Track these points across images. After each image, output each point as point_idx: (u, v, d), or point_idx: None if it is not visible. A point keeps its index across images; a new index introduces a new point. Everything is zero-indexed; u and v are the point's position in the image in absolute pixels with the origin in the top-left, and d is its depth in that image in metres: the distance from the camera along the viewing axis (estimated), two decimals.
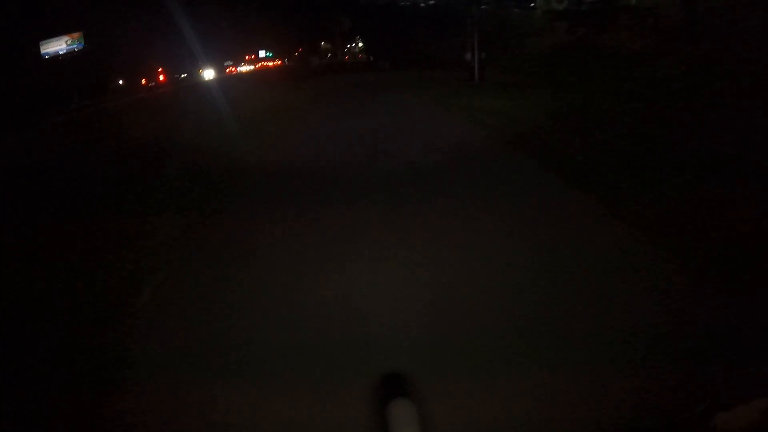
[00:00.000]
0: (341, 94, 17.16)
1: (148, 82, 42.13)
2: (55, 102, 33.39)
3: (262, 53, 48.70)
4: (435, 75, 20.97)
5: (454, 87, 15.36)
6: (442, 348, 2.16)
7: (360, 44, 50.83)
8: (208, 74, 38.75)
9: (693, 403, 0.56)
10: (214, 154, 7.69)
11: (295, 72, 36.48)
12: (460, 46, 21.54)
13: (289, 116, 12.03)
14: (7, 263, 3.81)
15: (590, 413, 1.64)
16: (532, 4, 22.79)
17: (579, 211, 3.81)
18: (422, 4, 36.08)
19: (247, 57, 53.48)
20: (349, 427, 1.66)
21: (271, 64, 54.68)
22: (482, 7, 17.34)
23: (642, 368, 1.87)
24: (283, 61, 55.50)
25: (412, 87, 17.03)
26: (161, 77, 42.93)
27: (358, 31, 48.13)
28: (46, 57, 40.04)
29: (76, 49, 40.77)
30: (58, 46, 40.62)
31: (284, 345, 2.29)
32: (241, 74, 44.50)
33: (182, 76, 43.72)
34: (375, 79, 22.99)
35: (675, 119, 6.38)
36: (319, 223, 3.98)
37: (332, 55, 55.39)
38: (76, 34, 40.71)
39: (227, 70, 47.95)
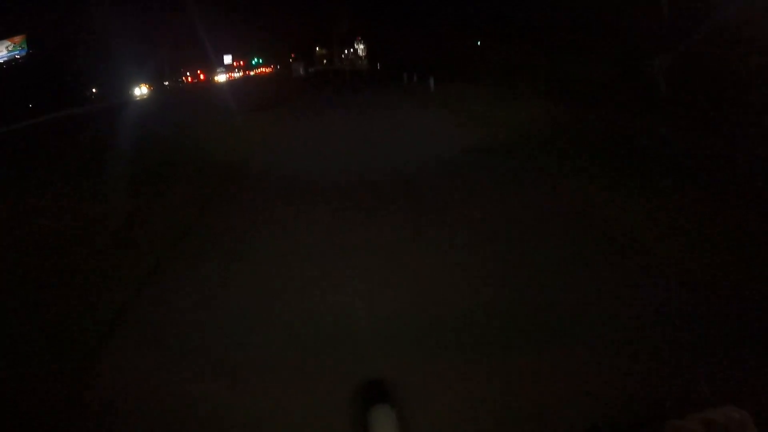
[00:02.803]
0: None
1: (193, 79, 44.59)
2: None
3: (228, 59, 40.67)
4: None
5: None
6: None
7: (361, 46, 41.48)
8: (139, 91, 30.64)
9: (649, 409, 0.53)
10: None
11: (270, 87, 25.63)
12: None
13: None
14: None
15: None
16: None
17: None
18: None
19: (235, 63, 45.97)
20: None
21: (258, 71, 46.97)
22: None
23: None
24: (274, 68, 47.75)
25: None
26: (201, 77, 44.81)
27: (358, 30, 38.94)
28: None
29: (18, 56, 34.50)
30: None
31: None
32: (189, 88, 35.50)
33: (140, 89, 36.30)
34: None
35: None
36: None
37: (328, 62, 46.68)
38: (18, 38, 34.50)
39: (225, 77, 40.64)
